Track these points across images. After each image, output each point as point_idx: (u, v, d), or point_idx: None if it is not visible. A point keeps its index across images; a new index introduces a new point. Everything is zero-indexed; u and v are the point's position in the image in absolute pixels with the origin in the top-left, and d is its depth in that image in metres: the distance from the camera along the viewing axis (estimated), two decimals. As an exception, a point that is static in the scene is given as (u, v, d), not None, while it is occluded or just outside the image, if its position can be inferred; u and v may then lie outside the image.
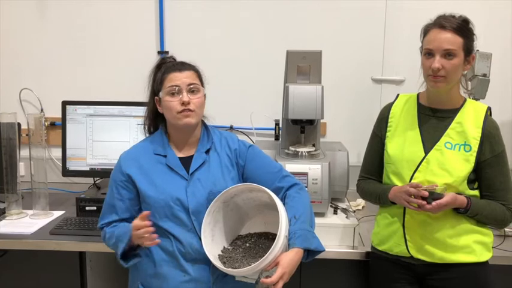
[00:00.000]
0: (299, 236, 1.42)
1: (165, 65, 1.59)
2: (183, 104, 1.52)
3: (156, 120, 1.65)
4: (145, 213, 1.44)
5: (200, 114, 1.58)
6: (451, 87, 1.61)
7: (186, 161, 1.59)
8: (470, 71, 2.07)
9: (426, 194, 1.52)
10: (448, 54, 1.54)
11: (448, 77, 1.56)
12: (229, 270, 1.43)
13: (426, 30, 1.60)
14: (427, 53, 1.58)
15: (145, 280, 1.56)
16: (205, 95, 1.61)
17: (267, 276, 1.35)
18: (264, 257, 1.36)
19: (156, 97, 1.59)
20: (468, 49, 1.56)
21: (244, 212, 1.63)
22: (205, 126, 1.67)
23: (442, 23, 1.55)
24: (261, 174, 1.61)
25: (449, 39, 1.53)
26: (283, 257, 1.38)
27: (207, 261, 1.50)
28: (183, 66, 1.57)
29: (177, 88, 1.53)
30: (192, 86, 1.54)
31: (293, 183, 1.60)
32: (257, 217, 1.64)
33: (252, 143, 1.70)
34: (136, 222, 1.44)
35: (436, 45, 1.55)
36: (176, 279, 1.51)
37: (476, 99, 2.06)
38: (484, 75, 2.10)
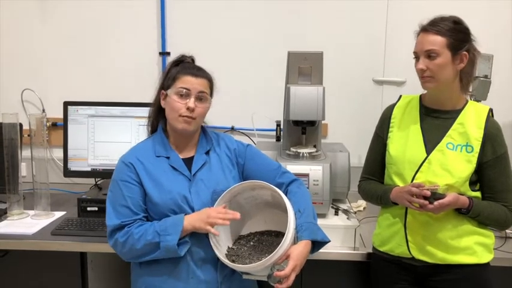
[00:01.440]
0: (306, 229, 1.47)
1: (183, 64, 1.60)
2: (188, 109, 1.52)
3: (158, 116, 1.65)
4: None
5: (200, 123, 1.60)
6: (447, 87, 1.61)
7: (186, 162, 1.59)
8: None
9: (428, 193, 1.52)
10: (430, 54, 1.57)
11: (436, 77, 1.58)
12: (240, 267, 1.43)
13: (416, 36, 1.64)
14: (415, 57, 1.63)
15: (152, 283, 1.54)
16: (210, 105, 1.62)
17: (278, 269, 1.37)
18: (276, 250, 1.38)
19: (163, 91, 1.59)
20: (454, 47, 1.56)
21: (245, 211, 1.63)
22: (202, 128, 1.67)
23: (425, 26, 1.60)
24: (261, 171, 1.64)
25: (430, 40, 1.57)
26: (294, 250, 1.41)
27: (214, 261, 1.51)
28: (200, 72, 1.58)
29: (186, 91, 1.53)
30: (201, 94, 1.55)
31: (293, 179, 1.65)
32: (257, 216, 1.65)
33: (248, 143, 1.72)
34: (219, 208, 1.48)
35: (418, 48, 1.60)
36: (184, 280, 1.51)
37: (478, 101, 2.06)
38: (486, 76, 2.10)
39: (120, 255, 1.55)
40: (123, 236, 1.50)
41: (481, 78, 2.09)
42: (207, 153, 1.63)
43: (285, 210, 1.47)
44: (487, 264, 1.64)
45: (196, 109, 1.54)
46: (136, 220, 1.52)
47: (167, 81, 1.58)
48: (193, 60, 1.66)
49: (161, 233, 1.46)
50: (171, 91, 1.55)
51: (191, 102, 1.52)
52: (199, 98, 1.55)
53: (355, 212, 2.07)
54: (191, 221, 1.47)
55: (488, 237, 1.65)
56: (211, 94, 1.61)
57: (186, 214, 1.50)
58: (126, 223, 1.51)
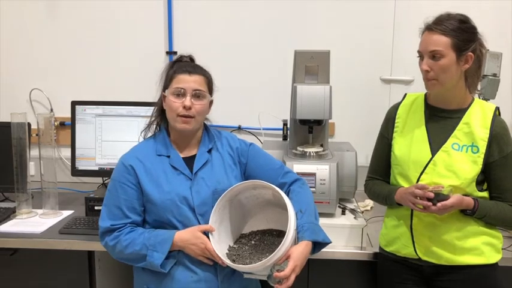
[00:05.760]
0: (307, 229, 1.45)
1: (178, 64, 1.59)
2: (184, 107, 1.52)
3: (161, 118, 1.66)
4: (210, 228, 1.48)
5: (200, 120, 1.59)
6: (452, 87, 1.59)
7: (188, 161, 1.59)
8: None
9: (431, 195, 1.51)
10: (434, 55, 1.54)
11: (439, 78, 1.56)
12: (241, 267, 1.43)
13: (421, 34, 1.61)
14: (419, 56, 1.60)
15: (153, 283, 1.55)
16: (211, 102, 1.62)
17: (278, 270, 1.36)
18: (276, 251, 1.37)
19: (162, 92, 1.59)
20: (459, 48, 1.53)
21: (247, 210, 1.64)
22: (205, 127, 1.68)
23: (430, 25, 1.56)
24: (264, 171, 1.63)
25: (434, 40, 1.53)
26: (294, 250, 1.40)
27: (213, 261, 1.50)
28: (194, 69, 1.56)
29: (182, 90, 1.53)
30: (197, 92, 1.55)
31: (295, 178, 1.64)
32: (259, 215, 1.65)
33: (251, 142, 1.71)
34: (210, 246, 1.46)
35: (423, 48, 1.57)
36: (185, 280, 1.51)
37: (486, 100, 2.05)
38: (494, 75, 2.08)
39: (112, 256, 1.57)
40: (112, 240, 1.52)
41: (490, 77, 2.07)
42: (209, 151, 1.62)
43: (287, 209, 1.47)
44: (495, 265, 1.63)
45: (194, 107, 1.53)
46: (126, 224, 1.53)
47: (165, 82, 1.59)
48: (192, 59, 1.65)
49: (149, 247, 1.47)
50: (168, 91, 1.56)
51: (187, 100, 1.52)
52: (196, 96, 1.55)
53: (362, 212, 2.07)
54: (181, 244, 1.48)
55: (496, 237, 1.63)
56: (210, 91, 1.60)
57: (177, 230, 1.51)
58: (116, 227, 1.52)
